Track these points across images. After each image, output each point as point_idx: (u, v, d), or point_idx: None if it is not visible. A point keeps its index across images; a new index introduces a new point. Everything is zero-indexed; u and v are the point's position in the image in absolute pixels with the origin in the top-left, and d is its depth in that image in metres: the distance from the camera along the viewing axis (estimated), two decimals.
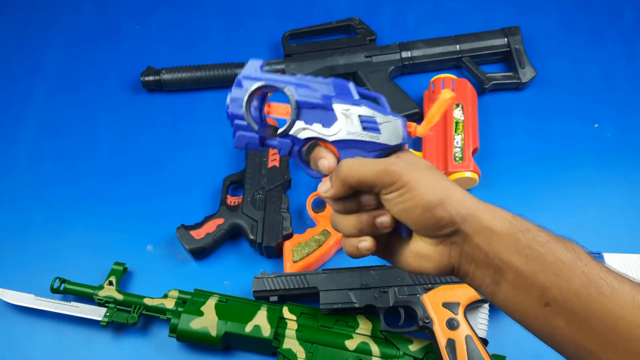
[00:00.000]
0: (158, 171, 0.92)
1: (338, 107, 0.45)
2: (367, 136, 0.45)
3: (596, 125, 0.91)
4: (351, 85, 0.46)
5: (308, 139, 0.47)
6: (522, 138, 0.91)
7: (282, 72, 0.96)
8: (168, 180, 0.91)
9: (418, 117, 0.92)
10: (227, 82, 0.97)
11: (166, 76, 0.96)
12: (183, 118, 0.97)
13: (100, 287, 0.78)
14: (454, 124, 0.86)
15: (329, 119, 0.46)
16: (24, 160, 0.95)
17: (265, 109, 0.48)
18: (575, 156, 0.89)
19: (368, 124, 0.45)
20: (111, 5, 1.10)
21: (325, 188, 0.46)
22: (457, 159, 0.84)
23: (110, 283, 0.78)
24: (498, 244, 0.41)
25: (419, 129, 0.47)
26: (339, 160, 0.47)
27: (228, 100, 0.47)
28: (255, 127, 0.47)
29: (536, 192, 0.86)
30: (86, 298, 0.79)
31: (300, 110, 0.46)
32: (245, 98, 0.46)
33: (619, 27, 0.99)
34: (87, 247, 0.85)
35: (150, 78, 0.97)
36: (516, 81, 0.93)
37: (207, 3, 1.09)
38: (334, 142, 0.46)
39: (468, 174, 0.83)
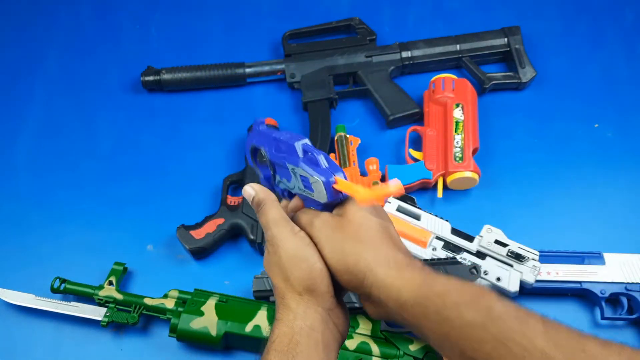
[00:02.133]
0: (158, 171, 0.92)
1: (289, 167, 0.49)
2: (307, 193, 0.49)
3: (596, 125, 0.91)
4: (298, 145, 0.48)
5: (285, 190, 0.53)
6: (522, 138, 0.91)
7: (283, 72, 0.96)
8: (168, 180, 0.91)
9: (418, 117, 0.92)
10: (227, 82, 0.97)
11: (166, 76, 0.96)
12: (183, 118, 0.97)
13: (101, 287, 0.78)
14: (454, 124, 0.86)
15: (288, 175, 0.50)
16: (24, 160, 0.94)
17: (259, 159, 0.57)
18: (576, 156, 0.89)
19: (305, 183, 0.48)
20: (111, 6, 1.10)
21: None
22: (457, 158, 0.84)
23: (111, 283, 0.78)
24: (408, 313, 0.43)
25: (340, 185, 0.46)
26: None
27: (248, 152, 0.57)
28: (260, 173, 0.56)
29: (536, 192, 0.86)
30: (86, 298, 0.79)
31: (275, 166, 0.52)
32: (248, 155, 0.57)
33: (619, 27, 0.99)
34: (87, 247, 0.85)
35: (150, 78, 0.97)
36: (516, 81, 0.92)
37: (207, 3, 1.09)
38: (296, 194, 0.51)
39: (468, 174, 0.83)
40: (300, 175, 0.48)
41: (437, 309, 0.41)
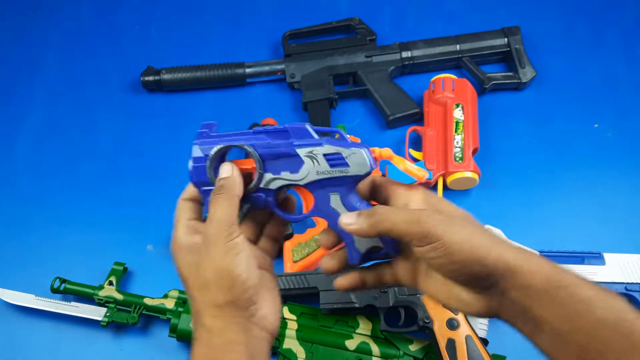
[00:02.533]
0: (158, 171, 0.92)
1: (302, 151, 0.46)
2: (336, 172, 0.45)
3: (596, 125, 0.91)
4: (308, 127, 0.46)
5: (280, 188, 0.47)
6: (522, 138, 0.91)
7: (282, 72, 0.96)
8: (168, 180, 0.91)
9: (418, 117, 0.92)
10: (227, 82, 0.97)
11: (166, 76, 0.96)
12: (183, 118, 0.97)
13: (101, 287, 0.78)
14: (454, 124, 0.86)
15: (295, 164, 0.46)
16: (24, 160, 0.95)
17: None
18: (576, 156, 0.89)
19: (335, 161, 0.45)
20: (111, 5, 1.10)
21: (349, 221, 0.44)
22: (457, 159, 0.84)
23: (111, 283, 0.78)
24: (534, 300, 0.40)
25: (384, 152, 0.47)
26: (315, 202, 0.47)
27: (190, 167, 0.48)
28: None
29: (536, 191, 0.86)
30: (86, 298, 0.79)
31: (265, 162, 0.47)
32: (208, 164, 0.47)
33: (619, 28, 0.99)
34: (87, 247, 0.85)
35: (150, 78, 0.97)
36: (516, 81, 0.92)
37: (207, 3, 1.09)
38: (306, 185, 0.46)
39: (468, 174, 0.83)
40: (325, 155, 0.46)
41: (566, 301, 0.39)
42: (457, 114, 0.87)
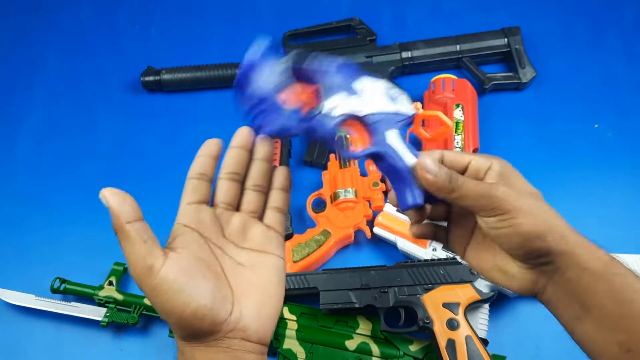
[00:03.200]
0: (158, 171, 0.92)
1: (361, 84, 0.45)
2: (393, 107, 0.45)
3: (596, 126, 0.91)
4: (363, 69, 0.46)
5: (341, 116, 0.44)
6: (522, 138, 0.91)
7: None
8: (168, 180, 0.91)
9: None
10: (227, 82, 0.97)
11: (166, 76, 0.96)
12: (183, 118, 0.97)
13: (101, 287, 0.78)
14: (454, 124, 0.86)
15: (355, 95, 0.45)
16: (24, 160, 0.95)
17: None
18: (576, 156, 0.89)
19: (393, 96, 0.45)
20: (111, 6, 1.10)
21: (429, 168, 0.43)
22: None
23: (111, 283, 0.78)
24: (590, 282, 0.41)
25: (416, 105, 0.48)
26: (371, 139, 0.45)
27: (256, 79, 0.45)
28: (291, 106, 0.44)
29: None
30: (86, 298, 0.79)
31: (327, 90, 0.44)
32: (280, 72, 0.45)
33: (619, 27, 0.99)
34: (87, 248, 0.85)
35: (150, 78, 0.97)
36: (516, 81, 0.93)
37: (207, 3, 1.09)
38: (365, 117, 0.45)
39: None
40: (385, 89, 0.46)
41: (621, 288, 0.40)
42: (457, 114, 0.87)
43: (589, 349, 0.42)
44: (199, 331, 0.40)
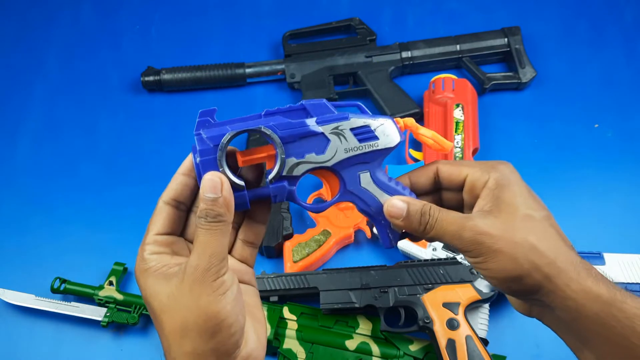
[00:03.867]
0: (158, 171, 0.92)
1: (327, 128, 0.41)
2: (366, 147, 0.42)
3: (596, 126, 0.91)
4: (326, 102, 0.42)
5: (305, 173, 0.42)
6: (522, 138, 0.91)
7: (283, 72, 0.96)
8: (168, 180, 0.91)
9: (418, 117, 0.91)
10: (227, 82, 0.97)
11: (166, 76, 0.96)
12: (183, 118, 0.97)
13: (101, 287, 0.78)
14: (454, 124, 0.86)
15: (320, 144, 0.42)
16: (24, 160, 0.95)
17: (239, 159, 0.41)
18: (575, 156, 0.89)
19: (363, 135, 0.42)
20: (111, 5, 1.10)
21: (397, 213, 0.41)
22: (457, 159, 0.84)
23: (111, 283, 0.78)
24: (586, 325, 0.38)
25: (407, 122, 0.45)
26: (344, 182, 0.43)
27: (197, 161, 0.41)
28: (241, 182, 0.40)
29: (536, 191, 0.85)
30: (86, 298, 0.79)
31: (286, 145, 0.41)
32: (219, 154, 0.40)
33: (619, 27, 0.99)
34: (88, 248, 0.85)
35: (150, 78, 0.97)
36: (516, 81, 0.93)
37: (207, 3, 1.09)
38: (333, 166, 0.42)
39: None
40: (352, 129, 0.42)
41: (624, 333, 0.37)
42: (457, 114, 0.87)
43: None
44: (229, 342, 0.37)
